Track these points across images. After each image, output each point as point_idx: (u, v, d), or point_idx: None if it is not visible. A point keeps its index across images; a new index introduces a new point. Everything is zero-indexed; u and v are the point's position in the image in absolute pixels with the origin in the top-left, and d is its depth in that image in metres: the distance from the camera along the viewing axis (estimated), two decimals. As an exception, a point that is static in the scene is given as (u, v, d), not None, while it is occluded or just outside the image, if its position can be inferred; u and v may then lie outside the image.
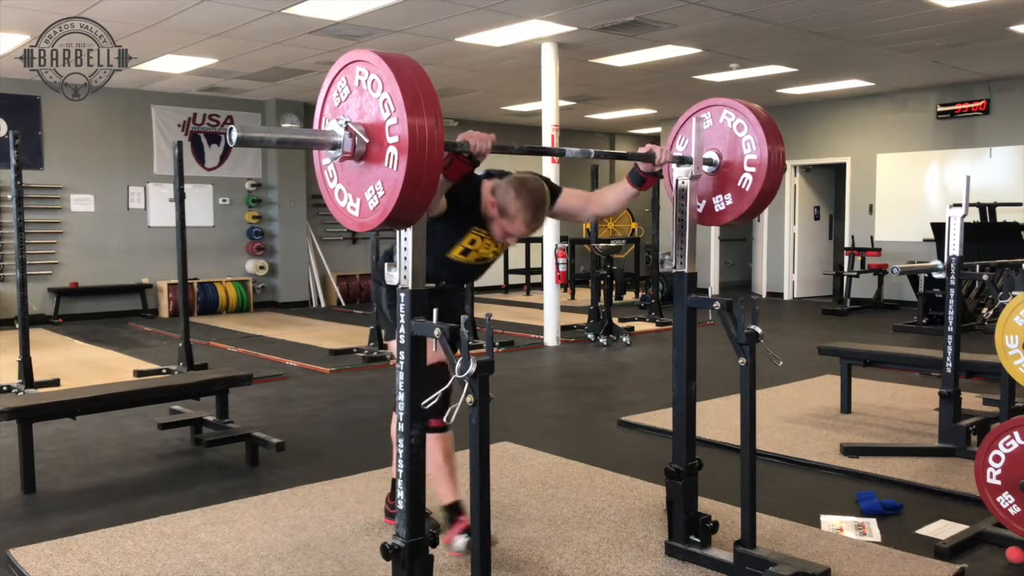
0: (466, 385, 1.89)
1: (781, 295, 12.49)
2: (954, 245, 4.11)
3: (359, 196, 1.94)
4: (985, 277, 4.31)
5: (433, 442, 2.78)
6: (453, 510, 2.94)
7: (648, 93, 11.01)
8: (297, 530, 3.19)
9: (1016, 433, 2.87)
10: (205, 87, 10.39)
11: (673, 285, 2.92)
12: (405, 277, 2.10)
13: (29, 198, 8.83)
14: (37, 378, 5.79)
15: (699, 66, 9.15)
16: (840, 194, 12.35)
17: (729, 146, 2.84)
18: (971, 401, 4.83)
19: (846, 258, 11.35)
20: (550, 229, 8.42)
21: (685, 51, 8.37)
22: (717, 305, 2.66)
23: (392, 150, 1.83)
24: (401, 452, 2.11)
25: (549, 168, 7.78)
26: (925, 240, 10.34)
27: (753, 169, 2.78)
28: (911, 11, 6.93)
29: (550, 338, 8.22)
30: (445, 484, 2.94)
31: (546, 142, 8.25)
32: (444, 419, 1.84)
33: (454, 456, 2.97)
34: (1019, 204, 9.63)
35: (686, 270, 2.87)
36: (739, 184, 2.82)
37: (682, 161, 2.78)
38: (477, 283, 8.51)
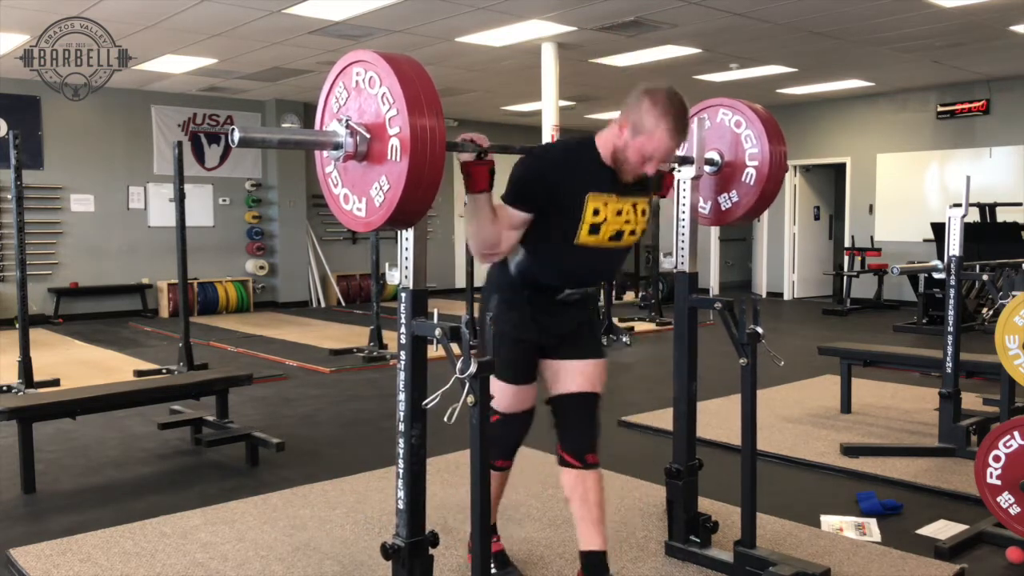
0: (466, 385, 1.89)
1: (781, 295, 12.48)
2: (954, 245, 4.12)
3: (364, 195, 1.93)
4: (985, 277, 4.32)
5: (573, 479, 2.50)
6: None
7: (648, 93, 10.99)
8: (297, 530, 3.19)
9: (1016, 433, 2.87)
10: (205, 87, 10.39)
11: (674, 285, 2.93)
12: (406, 277, 2.10)
13: (29, 198, 8.82)
14: (37, 378, 5.78)
15: (699, 66, 9.15)
16: (840, 194, 12.35)
17: (730, 144, 2.86)
18: (971, 401, 4.83)
19: (846, 258, 11.35)
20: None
21: (685, 51, 8.37)
22: (719, 305, 2.66)
23: (394, 142, 1.82)
24: (401, 452, 2.11)
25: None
26: (925, 240, 10.34)
27: (755, 163, 2.80)
28: (911, 11, 6.93)
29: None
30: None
31: (546, 142, 8.25)
32: (446, 418, 1.84)
33: (591, 498, 2.47)
34: (1019, 204, 9.64)
35: (687, 270, 2.88)
36: (743, 180, 2.84)
37: (684, 161, 2.79)
38: (477, 283, 8.48)
